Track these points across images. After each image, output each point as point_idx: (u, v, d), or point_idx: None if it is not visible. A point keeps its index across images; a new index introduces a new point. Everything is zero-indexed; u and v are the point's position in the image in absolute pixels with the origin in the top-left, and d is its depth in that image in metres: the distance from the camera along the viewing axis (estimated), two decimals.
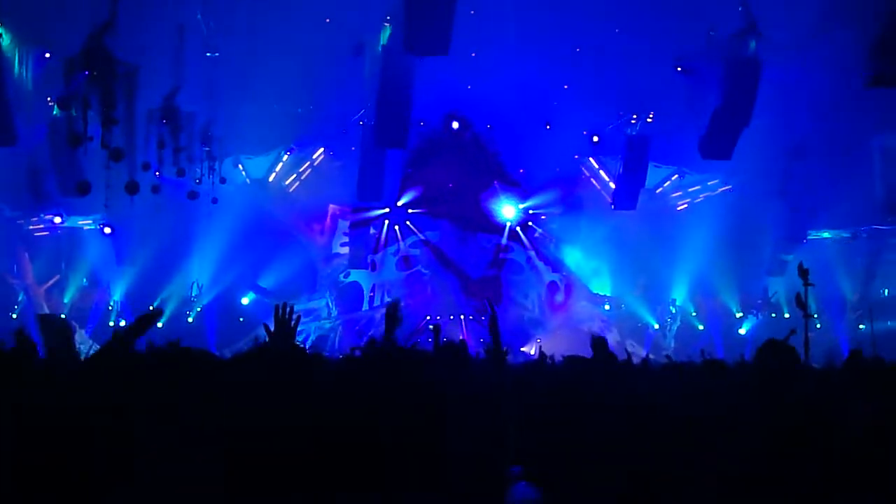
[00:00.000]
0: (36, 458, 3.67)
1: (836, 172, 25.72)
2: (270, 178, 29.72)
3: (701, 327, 30.31)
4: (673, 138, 26.49)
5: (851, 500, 4.19)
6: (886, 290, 29.81)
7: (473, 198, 30.43)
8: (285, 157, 29.43)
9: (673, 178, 29.77)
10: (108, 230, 27.41)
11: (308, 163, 29.75)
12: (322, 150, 29.40)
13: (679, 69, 24.10)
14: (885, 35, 19.03)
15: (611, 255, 29.87)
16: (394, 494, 3.01)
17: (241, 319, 29.12)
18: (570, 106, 26.44)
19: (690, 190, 29.90)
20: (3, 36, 20.91)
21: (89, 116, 20.77)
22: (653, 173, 28.07)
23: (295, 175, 29.87)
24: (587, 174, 30.39)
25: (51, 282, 27.92)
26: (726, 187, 28.78)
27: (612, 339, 29.49)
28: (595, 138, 28.69)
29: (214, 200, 26.05)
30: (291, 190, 29.78)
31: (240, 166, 28.82)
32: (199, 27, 22.55)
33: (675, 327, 30.11)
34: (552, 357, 10.87)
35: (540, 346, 14.87)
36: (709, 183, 29.31)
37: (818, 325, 24.25)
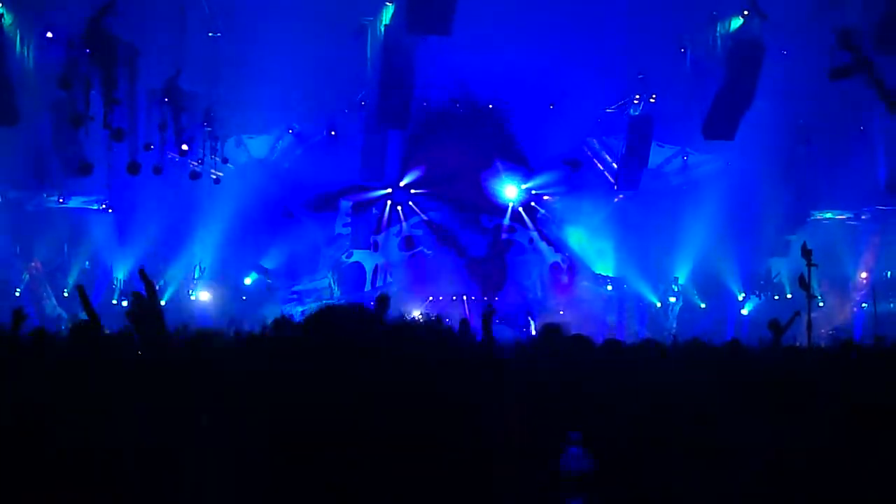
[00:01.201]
0: None
1: (839, 153, 25.75)
2: (273, 158, 29.65)
3: (703, 305, 30.28)
4: (676, 119, 26.46)
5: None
6: (889, 273, 29.77)
7: (476, 178, 30.37)
8: (289, 133, 29.28)
9: (676, 159, 29.69)
10: (109, 210, 27.50)
11: (310, 143, 29.66)
12: (325, 130, 29.31)
13: (682, 50, 24.07)
14: (841, 30, 19.26)
15: (614, 236, 29.82)
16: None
17: (244, 298, 29.23)
18: (573, 86, 26.36)
19: (694, 170, 29.80)
20: (5, 16, 20.87)
21: (91, 96, 20.77)
22: (656, 153, 28.00)
23: (297, 155, 29.80)
24: (590, 153, 30.27)
25: None
26: (729, 167, 28.71)
27: (611, 321, 29.58)
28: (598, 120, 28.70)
29: (217, 181, 26.05)
30: (294, 170, 29.69)
31: (242, 146, 28.72)
32: (200, 7, 22.47)
33: (677, 308, 30.10)
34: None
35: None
36: (712, 164, 29.22)
37: (821, 304, 24.25)
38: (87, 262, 28.64)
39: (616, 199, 28.26)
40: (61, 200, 27.68)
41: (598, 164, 30.14)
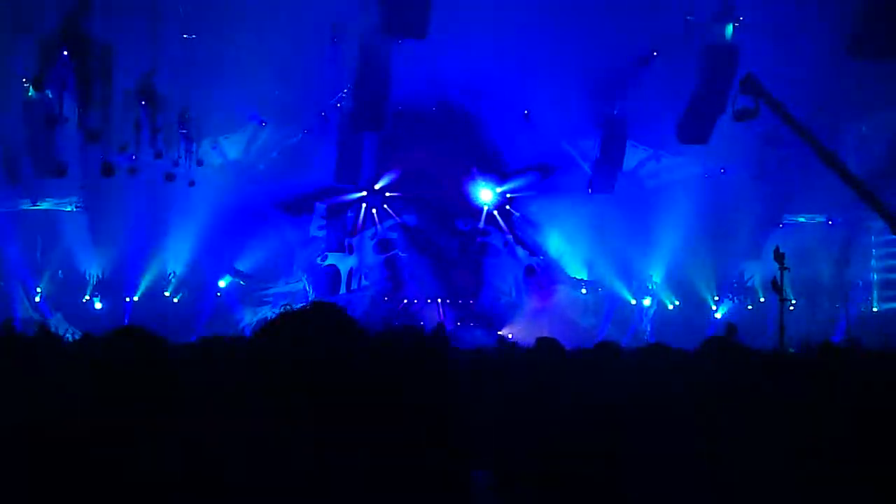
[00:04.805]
0: None
1: (812, 157, 25.88)
2: (247, 160, 29.48)
3: (677, 303, 30.34)
4: (651, 122, 26.53)
5: None
6: (861, 281, 29.92)
7: (451, 181, 30.37)
8: (262, 126, 28.90)
9: (650, 162, 29.74)
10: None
11: (285, 145, 29.56)
12: (300, 132, 29.26)
13: (654, 53, 24.17)
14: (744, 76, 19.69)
15: (588, 239, 29.84)
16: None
17: (219, 294, 29.22)
18: (547, 90, 26.39)
19: (668, 174, 29.87)
20: None
21: (65, 98, 20.66)
22: (631, 155, 28.01)
23: (272, 157, 29.68)
24: (564, 157, 30.29)
25: None
26: (703, 170, 28.83)
27: (589, 322, 29.63)
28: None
29: (191, 183, 25.94)
30: (269, 172, 29.57)
31: (217, 147, 28.54)
32: (175, 9, 22.39)
33: (651, 311, 30.19)
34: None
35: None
36: (686, 167, 29.30)
37: (791, 308, 24.35)
38: (60, 272, 28.45)
39: (589, 191, 28.15)
40: (34, 202, 27.52)
41: (575, 164, 30.16)
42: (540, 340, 7.84)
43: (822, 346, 7.09)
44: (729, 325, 10.30)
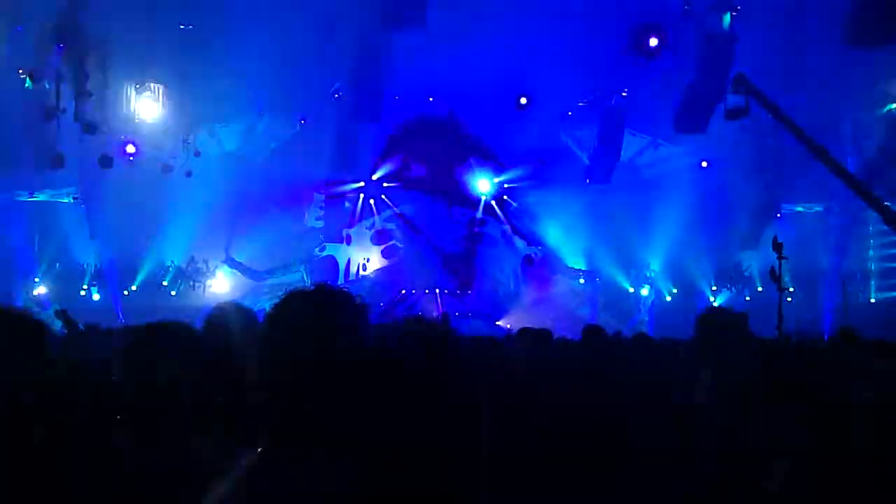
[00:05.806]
0: None
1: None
2: (245, 151, 29.43)
3: (675, 291, 30.35)
4: (648, 109, 26.50)
5: None
6: (858, 271, 29.91)
7: (448, 172, 30.39)
8: (259, 117, 28.86)
9: (648, 151, 29.68)
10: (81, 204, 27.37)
11: (283, 135, 29.48)
12: (298, 122, 29.18)
13: (654, 42, 24.12)
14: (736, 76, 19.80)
15: (586, 229, 29.84)
16: None
17: (210, 286, 29.23)
18: (545, 81, 26.34)
19: (665, 163, 29.83)
20: None
21: (62, 89, 20.62)
22: (628, 144, 27.95)
23: (270, 147, 29.62)
24: (562, 147, 30.23)
25: None
26: (701, 160, 28.80)
27: (587, 312, 29.62)
28: (569, 112, 28.66)
29: (188, 174, 25.91)
30: (266, 163, 29.52)
31: (215, 137, 28.47)
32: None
33: (649, 301, 30.19)
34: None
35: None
36: (684, 157, 29.27)
37: (789, 299, 24.33)
38: (57, 263, 28.40)
39: (587, 182, 28.12)
40: (31, 194, 27.48)
41: (573, 154, 30.13)
42: (523, 331, 7.84)
43: (820, 337, 7.10)
44: (739, 314, 10.19)
